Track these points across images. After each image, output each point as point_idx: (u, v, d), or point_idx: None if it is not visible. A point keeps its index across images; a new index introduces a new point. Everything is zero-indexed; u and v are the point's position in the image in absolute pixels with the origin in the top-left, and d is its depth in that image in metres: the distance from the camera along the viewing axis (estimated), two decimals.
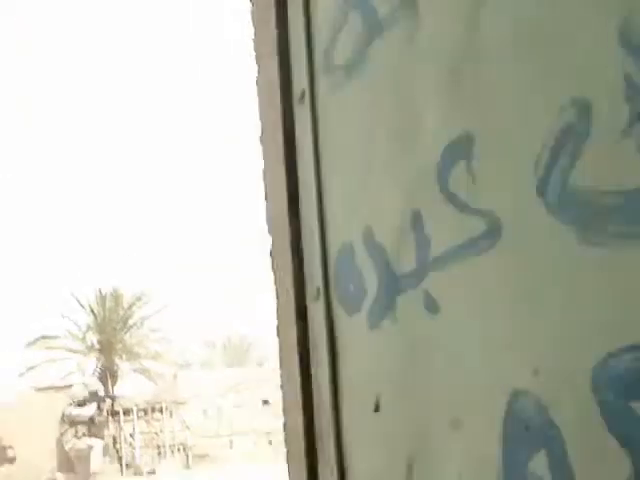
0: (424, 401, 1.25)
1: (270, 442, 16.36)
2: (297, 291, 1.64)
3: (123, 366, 35.46)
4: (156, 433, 15.44)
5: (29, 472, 13.76)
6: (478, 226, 1.09)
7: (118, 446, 15.01)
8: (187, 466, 15.26)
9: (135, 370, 35.57)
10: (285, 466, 2.10)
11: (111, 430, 15.03)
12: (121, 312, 35.27)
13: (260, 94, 1.82)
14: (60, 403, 14.40)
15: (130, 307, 35.47)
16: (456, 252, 1.15)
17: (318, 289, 1.57)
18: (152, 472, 14.65)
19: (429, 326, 1.22)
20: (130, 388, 30.37)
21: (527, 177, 1.00)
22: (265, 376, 16.88)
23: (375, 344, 1.39)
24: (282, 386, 1.86)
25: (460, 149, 1.13)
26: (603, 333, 0.90)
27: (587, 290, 0.93)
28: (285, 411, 1.85)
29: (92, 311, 35.15)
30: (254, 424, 16.59)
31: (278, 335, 1.93)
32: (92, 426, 14.62)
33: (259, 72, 1.82)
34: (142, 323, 35.89)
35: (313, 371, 1.60)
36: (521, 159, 1.02)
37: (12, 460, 14.11)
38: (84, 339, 35.25)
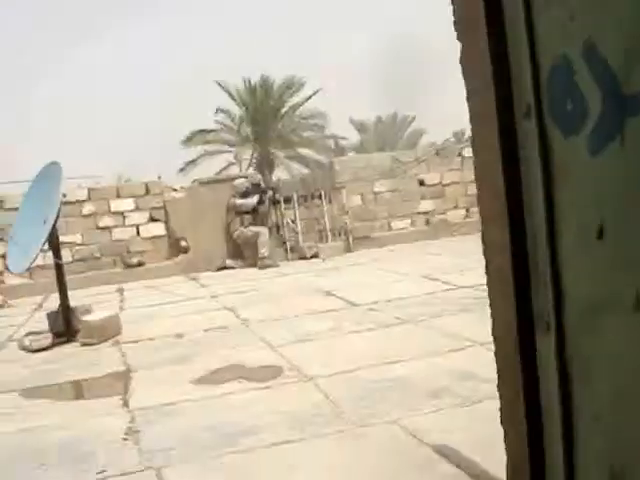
0: None
1: (427, 221, 16.57)
2: (500, 106, 1.50)
3: (279, 154, 36.39)
4: (316, 218, 15.86)
5: (203, 260, 14.63)
6: None
7: (282, 232, 15.56)
8: (348, 248, 15.70)
9: (291, 157, 36.46)
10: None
11: (274, 218, 15.56)
12: (272, 102, 35.72)
13: None
14: (224, 195, 14.97)
15: (280, 96, 35.83)
16: None
17: (529, 106, 1.44)
18: (315, 255, 15.19)
19: None
20: (287, 175, 31.21)
21: None
22: (420, 157, 16.88)
23: (598, 168, 1.29)
24: (480, 199, 1.79)
25: None
26: None
27: None
28: (485, 222, 1.77)
29: (243, 103, 35.79)
30: (411, 206, 16.78)
31: (475, 156, 1.83)
32: (256, 215, 15.17)
33: None
34: (294, 111, 36.33)
35: (525, 195, 1.53)
36: None
37: (186, 249, 14.99)
38: (239, 131, 36.18)
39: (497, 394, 4.61)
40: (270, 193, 15.61)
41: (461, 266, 10.87)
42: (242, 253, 15.06)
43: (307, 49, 50.43)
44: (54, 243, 8.35)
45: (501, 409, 1.94)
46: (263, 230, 14.89)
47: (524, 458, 1.59)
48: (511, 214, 1.57)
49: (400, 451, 3.93)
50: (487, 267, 1.84)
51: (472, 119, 1.75)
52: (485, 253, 1.79)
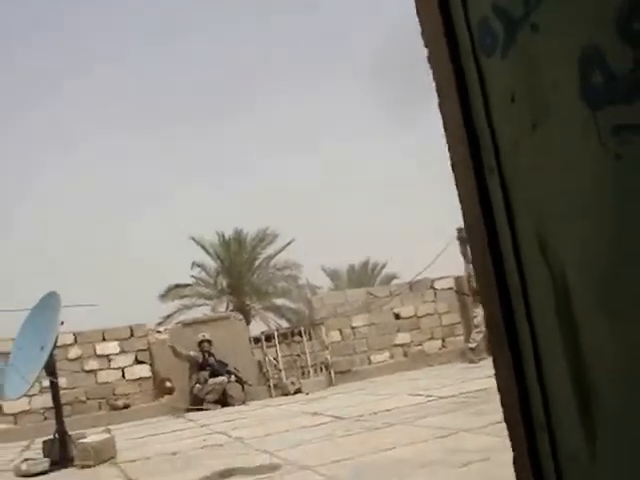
0: None
1: (405, 353, 16.97)
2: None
3: (255, 305, 36.91)
4: (298, 355, 16.25)
5: (188, 400, 14.86)
6: None
7: (265, 370, 15.90)
8: (330, 382, 16.01)
9: (266, 308, 36.99)
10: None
11: (256, 357, 15.93)
12: (246, 255, 36.55)
13: None
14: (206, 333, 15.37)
15: (254, 248, 36.71)
16: None
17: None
18: (298, 391, 15.48)
19: None
20: (264, 326, 31.63)
21: None
22: (394, 292, 17.48)
23: None
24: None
25: None
26: None
27: None
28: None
29: (218, 256, 36.58)
30: (389, 339, 17.23)
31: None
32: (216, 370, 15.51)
33: None
34: (268, 263, 37.12)
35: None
36: None
37: (171, 390, 15.23)
38: (215, 284, 36.79)
39: (485, 456, 5.03)
40: (233, 379, 15.82)
41: (440, 384, 11.32)
42: (224, 392, 15.31)
43: (279, 201, 51.89)
44: (51, 367, 8.71)
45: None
46: (220, 380, 15.07)
47: None
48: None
49: None
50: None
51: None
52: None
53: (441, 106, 1.73)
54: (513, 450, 1.62)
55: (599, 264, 1.23)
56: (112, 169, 51.47)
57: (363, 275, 40.00)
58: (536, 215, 1.37)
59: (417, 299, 17.85)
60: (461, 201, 1.66)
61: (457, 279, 18.41)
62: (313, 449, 6.97)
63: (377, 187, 55.63)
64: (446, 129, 1.72)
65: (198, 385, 15.12)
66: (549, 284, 1.36)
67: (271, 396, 15.67)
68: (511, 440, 1.63)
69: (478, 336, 15.54)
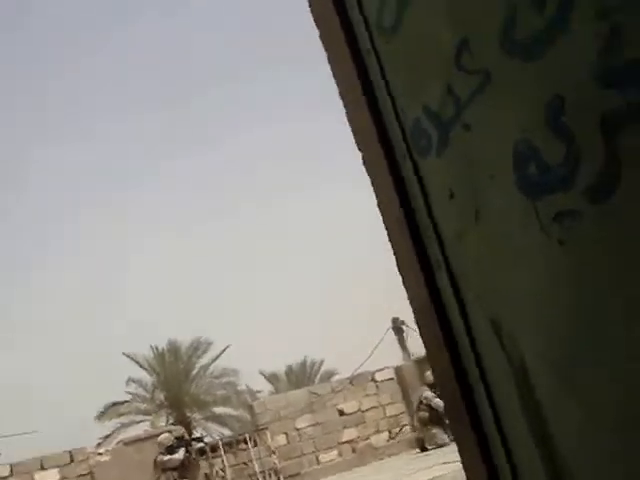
0: None
1: (353, 449, 16.82)
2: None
3: (195, 416, 36.18)
4: (245, 463, 15.96)
5: None
6: None
7: None
8: None
9: (207, 418, 36.26)
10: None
11: (203, 469, 15.59)
12: (181, 365, 36.00)
13: None
14: (151, 453, 15.00)
15: (189, 358, 36.19)
16: None
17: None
18: None
19: None
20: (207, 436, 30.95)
21: None
22: (336, 388, 17.42)
23: None
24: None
25: None
26: None
27: None
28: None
29: (153, 370, 35.94)
30: (335, 437, 17.07)
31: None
32: (182, 469, 15.18)
33: None
34: (204, 372, 36.60)
35: None
36: None
37: None
38: (152, 398, 36.02)
39: None
40: (196, 444, 15.75)
41: (394, 478, 11.21)
42: None
43: (212, 307, 51.59)
44: None
45: None
46: None
47: None
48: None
49: None
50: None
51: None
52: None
53: (380, 205, 1.78)
54: None
55: (556, 346, 1.27)
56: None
57: (302, 375, 39.73)
58: (488, 304, 1.42)
59: (359, 393, 17.79)
60: (410, 297, 1.70)
61: (397, 369, 18.46)
62: None
63: (303, 286, 55.92)
64: (388, 228, 1.77)
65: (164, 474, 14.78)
66: (507, 369, 1.39)
67: None
68: None
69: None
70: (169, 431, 16.36)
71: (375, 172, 1.75)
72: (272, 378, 40.38)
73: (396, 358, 19.42)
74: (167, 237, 54.61)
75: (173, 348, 36.15)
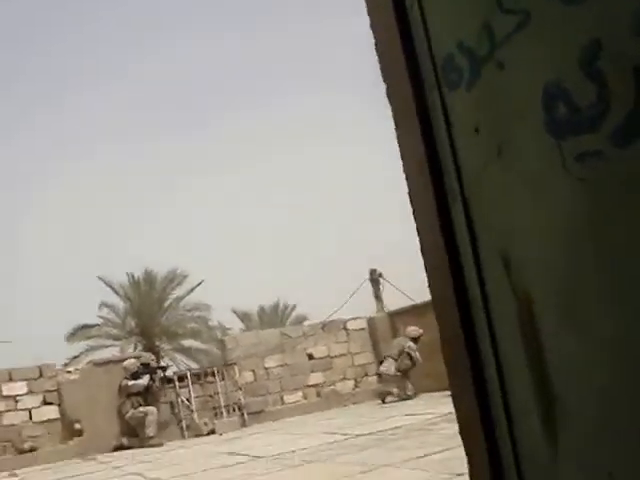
0: None
1: (318, 393, 17.03)
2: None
3: (164, 347, 36.42)
4: (210, 395, 16.14)
5: (98, 441, 14.57)
6: None
7: (176, 410, 15.73)
8: (243, 423, 15.94)
9: (176, 350, 36.54)
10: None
11: (168, 396, 15.78)
12: (155, 295, 36.13)
13: None
14: (118, 376, 15.14)
15: (164, 289, 36.32)
16: None
17: None
18: (211, 432, 15.35)
19: None
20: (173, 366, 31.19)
21: None
22: (308, 332, 17.58)
23: None
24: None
25: None
26: None
27: None
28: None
29: (127, 297, 36.07)
30: (302, 379, 17.26)
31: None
32: (148, 395, 15.39)
33: None
34: (177, 304, 36.77)
35: None
36: None
37: (81, 432, 14.90)
38: (124, 325, 36.21)
39: None
40: (161, 372, 15.95)
41: (356, 422, 11.40)
42: (136, 433, 15.07)
43: (189, 240, 51.62)
44: None
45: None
46: (151, 409, 15.07)
47: None
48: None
49: None
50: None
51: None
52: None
53: (399, 137, 1.83)
54: (470, 459, 1.70)
55: (563, 281, 1.34)
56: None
57: (274, 317, 40.03)
58: (500, 237, 1.48)
59: (330, 339, 17.98)
60: (420, 228, 1.75)
61: (370, 320, 18.64)
62: None
63: (284, 230, 56.01)
64: (404, 156, 1.81)
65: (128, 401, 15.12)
66: (511, 300, 1.46)
67: (184, 437, 15.50)
68: (468, 448, 1.71)
69: (391, 367, 15.77)
70: (137, 357, 16.51)
71: (398, 101, 1.79)
72: (244, 317, 40.63)
73: (370, 310, 19.57)
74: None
75: (149, 277, 36.25)
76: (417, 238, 1.80)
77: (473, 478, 1.69)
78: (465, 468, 4.86)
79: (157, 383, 15.69)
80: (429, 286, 1.77)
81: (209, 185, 53.19)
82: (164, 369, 16.42)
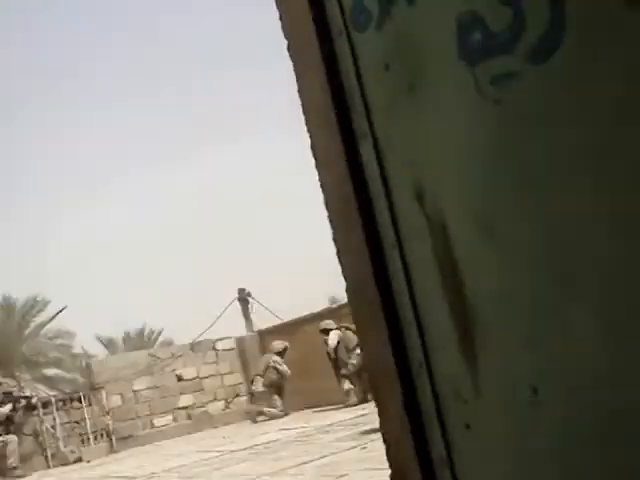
0: None
1: (189, 415, 16.80)
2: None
3: (25, 377, 35.02)
4: (77, 422, 15.63)
5: None
6: None
7: (41, 439, 15.15)
8: (112, 449, 15.52)
9: (37, 379, 35.19)
10: None
11: (31, 424, 15.17)
12: (15, 323, 34.76)
13: None
14: None
15: (24, 317, 34.99)
16: None
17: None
18: (78, 459, 14.87)
19: None
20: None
21: None
22: (176, 353, 17.33)
23: None
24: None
25: None
26: None
27: None
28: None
29: None
30: (171, 402, 16.98)
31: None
32: (9, 424, 14.75)
33: None
34: (38, 332, 35.48)
35: None
36: None
37: None
38: None
39: None
40: (24, 401, 15.33)
41: (229, 441, 11.28)
42: None
43: (51, 266, 50.05)
44: None
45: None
46: (12, 438, 14.45)
47: None
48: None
49: None
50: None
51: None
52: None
53: (301, 90, 1.81)
54: (382, 410, 1.67)
55: (479, 202, 1.35)
56: None
57: (139, 343, 39.12)
58: (414, 169, 1.47)
59: (199, 360, 17.74)
60: (325, 173, 1.73)
61: (238, 339, 18.52)
62: None
63: (148, 249, 55.11)
64: (306, 104, 1.79)
65: None
66: (425, 229, 1.45)
67: (49, 467, 14.91)
68: (379, 397, 1.67)
69: (259, 385, 15.75)
70: None
71: (302, 52, 1.77)
72: (109, 343, 39.60)
73: (238, 330, 19.48)
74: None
75: (7, 304, 34.86)
76: (322, 192, 1.78)
77: (386, 429, 1.66)
78: (346, 470, 4.86)
79: (20, 412, 15.07)
80: (334, 239, 1.75)
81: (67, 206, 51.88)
82: (28, 398, 15.77)
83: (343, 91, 1.63)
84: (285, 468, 6.60)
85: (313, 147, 1.77)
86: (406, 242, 1.51)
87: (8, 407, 14.76)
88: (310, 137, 1.78)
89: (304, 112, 1.80)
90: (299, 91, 1.82)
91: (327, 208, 1.74)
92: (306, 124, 1.80)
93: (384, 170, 1.54)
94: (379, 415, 1.70)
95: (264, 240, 48.14)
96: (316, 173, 1.80)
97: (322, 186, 1.75)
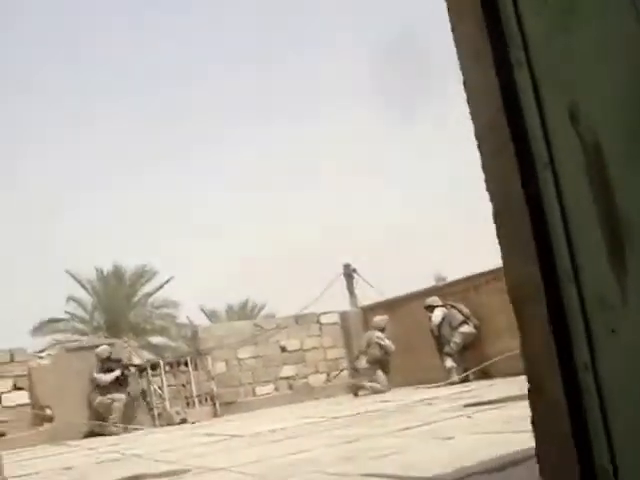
0: None
1: (290, 386, 17.06)
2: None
3: (132, 343, 36.15)
4: (183, 385, 16.11)
5: (67, 427, 14.48)
6: None
7: (148, 399, 15.68)
8: (215, 413, 15.93)
9: (143, 347, 36.31)
10: None
11: (141, 384, 15.73)
12: (124, 291, 35.93)
13: None
14: (90, 362, 15.07)
15: (132, 285, 36.15)
16: None
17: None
18: (183, 421, 15.30)
19: None
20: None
21: None
22: (281, 324, 17.61)
23: None
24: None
25: None
26: None
27: None
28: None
29: (95, 292, 35.83)
30: (274, 371, 17.28)
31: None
32: (119, 385, 15.34)
33: None
34: (146, 300, 36.60)
35: None
36: None
37: (51, 418, 14.79)
38: (91, 320, 35.95)
39: (398, 450, 5.17)
40: (132, 369, 15.84)
41: (331, 409, 11.45)
42: (105, 419, 14.99)
43: (160, 236, 51.34)
44: None
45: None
46: (118, 396, 15.01)
47: None
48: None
49: None
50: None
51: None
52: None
53: (454, 23, 1.89)
54: (521, 324, 1.75)
55: (631, 120, 1.41)
56: None
57: (242, 315, 39.90)
58: (570, 95, 1.54)
59: (303, 333, 18.00)
60: (473, 99, 1.81)
61: (342, 314, 18.70)
62: (218, 457, 6.94)
63: (252, 225, 55.90)
64: (460, 47, 1.87)
65: (101, 397, 14.94)
66: (579, 152, 1.52)
67: (155, 425, 15.43)
68: (521, 312, 1.75)
69: (362, 361, 15.87)
70: (110, 344, 16.42)
71: None
72: (212, 315, 40.48)
73: (341, 305, 19.65)
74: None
75: (117, 273, 36.06)
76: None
77: (527, 347, 1.74)
78: (452, 434, 4.91)
79: (129, 379, 15.65)
80: (483, 166, 1.83)
81: (179, 178, 53.04)
82: (137, 367, 16.28)
83: (499, 23, 1.71)
84: (391, 431, 6.72)
85: (465, 83, 1.85)
86: (558, 162, 1.58)
87: (114, 374, 15.29)
88: (462, 73, 1.86)
89: (457, 46, 1.89)
90: (453, 28, 1.90)
91: (477, 137, 1.82)
92: (459, 59, 1.89)
93: (539, 95, 1.61)
94: (520, 334, 1.78)
95: (366, 212, 48.08)
96: (467, 107, 1.88)
97: (473, 117, 1.83)
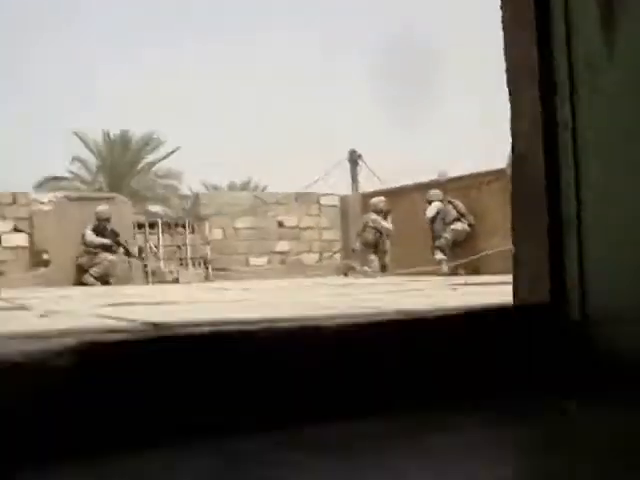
0: None
1: (283, 261, 17.32)
2: None
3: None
4: (178, 246, 16.36)
5: (62, 273, 14.78)
6: None
7: (144, 255, 15.93)
8: (207, 277, 16.23)
9: (139, 213, 36.52)
10: None
11: (137, 241, 15.95)
12: (129, 156, 35.97)
13: None
14: (91, 213, 15.25)
15: (138, 152, 36.16)
16: None
17: None
18: (175, 280, 15.61)
19: None
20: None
21: None
22: (281, 200, 17.74)
23: None
24: None
25: None
26: None
27: None
28: None
29: (100, 154, 35.89)
30: (269, 245, 17.51)
31: None
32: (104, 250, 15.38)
33: None
34: (150, 169, 36.68)
35: None
36: None
37: (47, 263, 15.08)
38: (93, 182, 36.12)
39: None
40: (123, 249, 15.66)
41: (322, 282, 11.72)
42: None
43: (168, 107, 51.11)
44: None
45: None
46: (103, 256, 15.09)
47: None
48: None
49: None
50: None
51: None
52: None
53: None
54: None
55: None
56: None
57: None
58: None
59: (302, 211, 18.19)
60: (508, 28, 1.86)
61: (342, 198, 18.85)
62: (211, 297, 7.18)
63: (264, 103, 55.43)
64: None
65: (87, 255, 15.09)
66: None
67: (147, 283, 15.74)
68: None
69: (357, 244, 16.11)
70: (110, 197, 16.56)
71: None
72: (214, 190, 40.62)
73: (344, 191, 19.77)
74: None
75: (124, 137, 36.03)
76: None
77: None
78: (433, 294, 5.07)
79: (120, 252, 15.58)
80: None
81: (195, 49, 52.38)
82: (128, 253, 16.00)
83: None
84: (380, 291, 6.99)
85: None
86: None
87: (106, 241, 15.32)
88: None
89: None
90: None
91: (507, 72, 1.88)
92: None
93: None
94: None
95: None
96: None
97: (505, 49, 1.89)
